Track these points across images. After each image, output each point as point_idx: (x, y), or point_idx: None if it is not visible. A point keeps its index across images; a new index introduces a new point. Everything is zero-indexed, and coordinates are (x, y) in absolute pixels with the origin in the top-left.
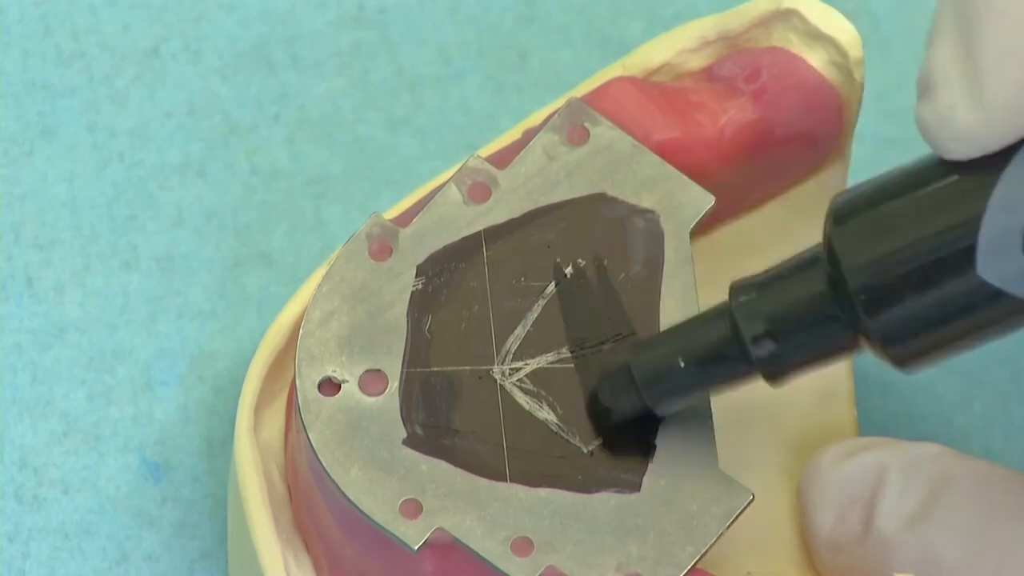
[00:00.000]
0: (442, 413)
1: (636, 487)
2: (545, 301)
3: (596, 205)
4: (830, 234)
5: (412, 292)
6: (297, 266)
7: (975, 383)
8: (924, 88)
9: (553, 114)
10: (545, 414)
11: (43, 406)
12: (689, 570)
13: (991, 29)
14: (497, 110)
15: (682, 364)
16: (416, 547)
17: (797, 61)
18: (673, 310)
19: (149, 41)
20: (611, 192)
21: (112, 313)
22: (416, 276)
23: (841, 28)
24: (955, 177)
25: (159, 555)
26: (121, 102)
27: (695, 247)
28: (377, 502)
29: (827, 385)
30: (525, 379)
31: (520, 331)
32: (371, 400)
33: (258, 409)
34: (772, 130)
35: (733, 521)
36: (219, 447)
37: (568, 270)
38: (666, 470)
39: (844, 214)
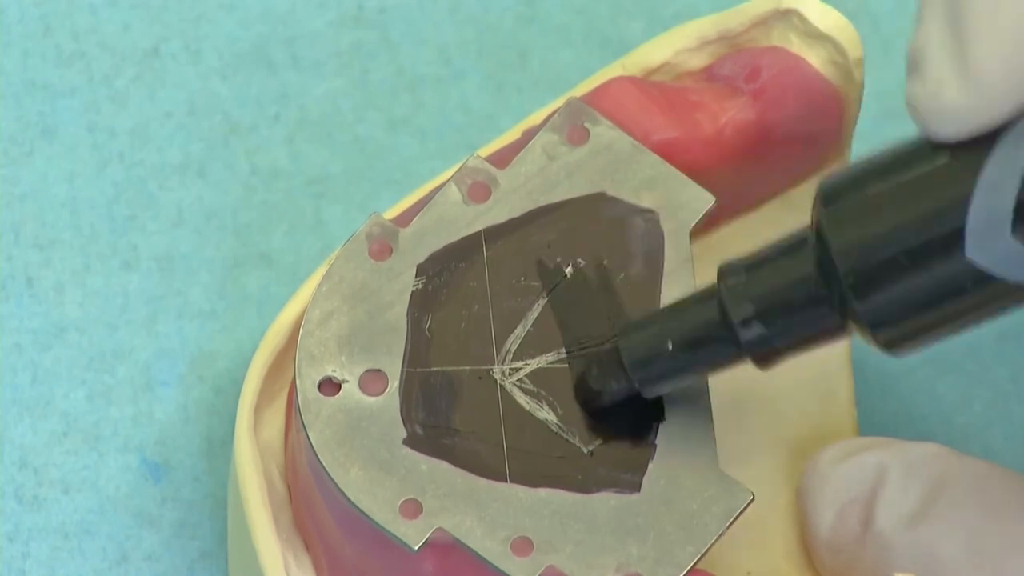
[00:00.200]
0: (442, 413)
1: (636, 487)
2: (545, 301)
3: (596, 205)
4: (818, 216)
5: (412, 292)
6: (297, 266)
7: (975, 383)
8: (913, 65)
9: (553, 114)
10: (545, 414)
11: (43, 406)
12: (689, 570)
13: (978, 3)
14: (497, 110)
15: (670, 347)
16: (416, 547)
17: (797, 61)
18: None
19: (149, 41)
20: (611, 192)
21: (112, 313)
22: (416, 276)
23: (841, 28)
24: (944, 158)
25: (159, 555)
26: (121, 102)
27: (695, 247)
28: (377, 502)
29: (827, 385)
30: (525, 379)
31: (520, 331)
32: (371, 400)
33: (258, 409)
34: (772, 130)
35: (733, 521)
36: (219, 447)
37: (568, 270)
38: (666, 470)
39: (832, 195)
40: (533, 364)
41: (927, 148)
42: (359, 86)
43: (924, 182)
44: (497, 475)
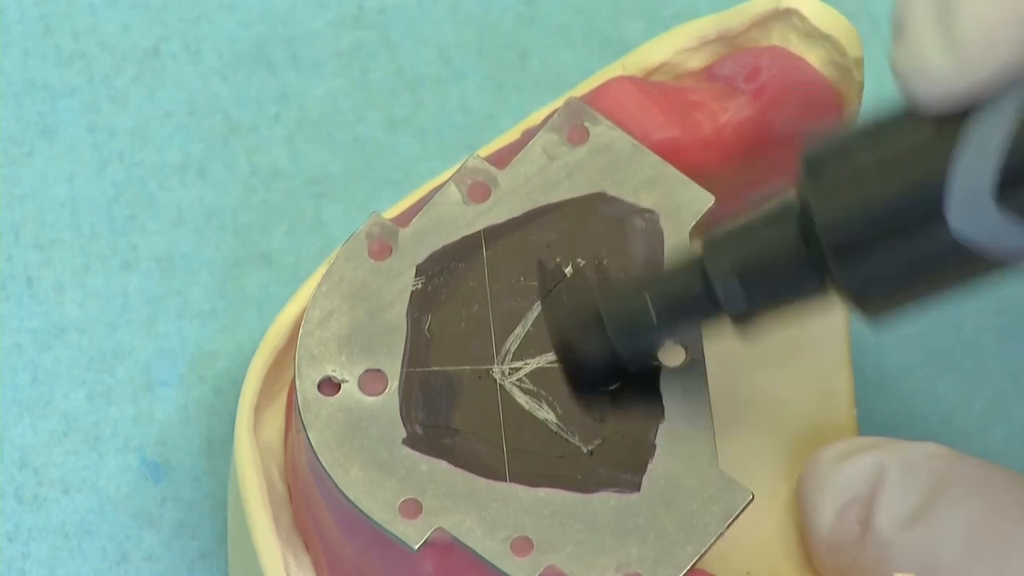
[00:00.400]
0: (442, 413)
1: (636, 487)
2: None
3: (596, 205)
4: (803, 184)
5: (412, 292)
6: (297, 266)
7: (975, 383)
8: (898, 29)
9: (553, 114)
10: (545, 414)
11: (43, 406)
12: (689, 570)
13: None
14: (497, 110)
15: (652, 309)
16: (416, 547)
17: (797, 60)
18: None
19: (149, 41)
20: (611, 192)
21: (112, 313)
22: (416, 276)
23: (841, 27)
24: (928, 129)
25: (159, 555)
26: (121, 102)
27: (695, 247)
28: (377, 502)
29: (827, 385)
30: (525, 379)
31: (520, 331)
32: (371, 400)
33: (258, 409)
34: (772, 129)
35: (733, 521)
36: (219, 447)
37: (568, 270)
38: (666, 470)
39: (817, 164)
40: (533, 364)
41: (912, 118)
42: (359, 86)
43: (908, 152)
44: (497, 475)
